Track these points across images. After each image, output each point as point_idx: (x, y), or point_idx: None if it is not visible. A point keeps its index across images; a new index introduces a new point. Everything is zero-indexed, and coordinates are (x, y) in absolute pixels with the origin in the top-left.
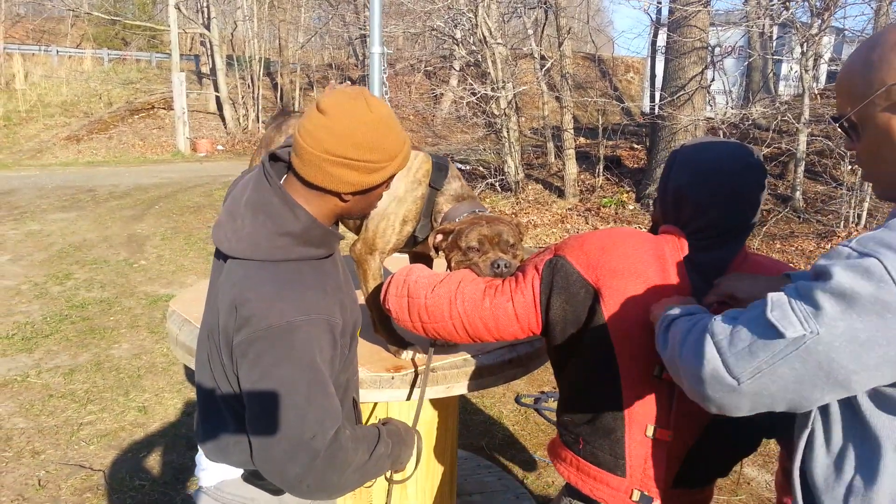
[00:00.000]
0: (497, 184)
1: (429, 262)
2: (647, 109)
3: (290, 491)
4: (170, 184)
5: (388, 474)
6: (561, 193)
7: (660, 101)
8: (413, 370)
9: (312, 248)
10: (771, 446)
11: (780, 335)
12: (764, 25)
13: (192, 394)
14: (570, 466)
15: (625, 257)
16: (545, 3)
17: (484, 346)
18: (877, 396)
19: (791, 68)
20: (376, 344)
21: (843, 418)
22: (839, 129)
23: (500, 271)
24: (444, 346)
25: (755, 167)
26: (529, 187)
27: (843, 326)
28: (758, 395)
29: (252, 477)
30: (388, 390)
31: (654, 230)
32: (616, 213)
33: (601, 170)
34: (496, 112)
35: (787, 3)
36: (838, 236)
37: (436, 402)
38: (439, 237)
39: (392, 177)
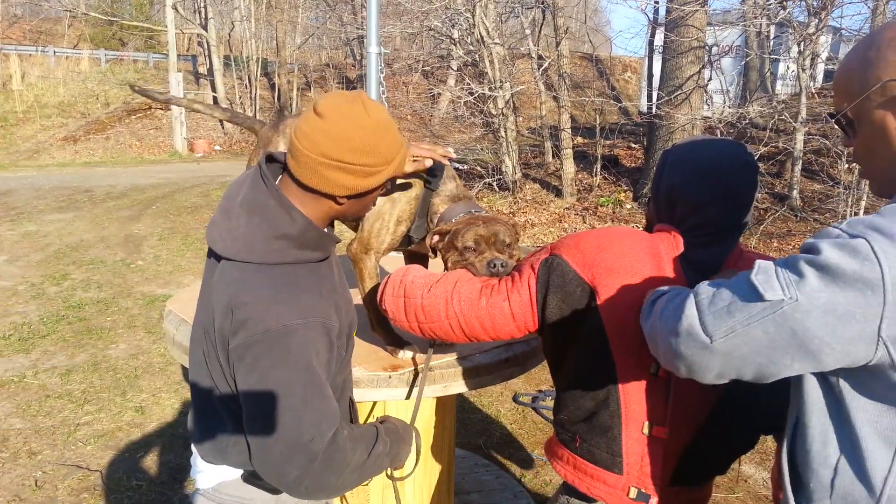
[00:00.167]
0: (495, 183)
1: (425, 261)
2: (644, 109)
3: (289, 492)
4: (167, 184)
5: (389, 472)
6: (558, 193)
7: (657, 100)
8: (411, 369)
9: (308, 252)
10: (768, 444)
11: (760, 298)
12: (761, 25)
13: (189, 394)
14: (566, 464)
15: (621, 256)
16: (542, 3)
17: (481, 345)
18: (855, 380)
19: (788, 67)
20: (373, 343)
21: (825, 403)
22: (836, 126)
23: (497, 271)
24: (442, 346)
25: (751, 166)
26: (527, 187)
27: (823, 298)
28: (728, 357)
29: (252, 477)
30: (386, 389)
31: (648, 229)
32: (613, 213)
33: (598, 169)
34: (494, 112)
35: (784, 3)
36: None
37: (433, 401)
38: (436, 238)
39: (388, 181)
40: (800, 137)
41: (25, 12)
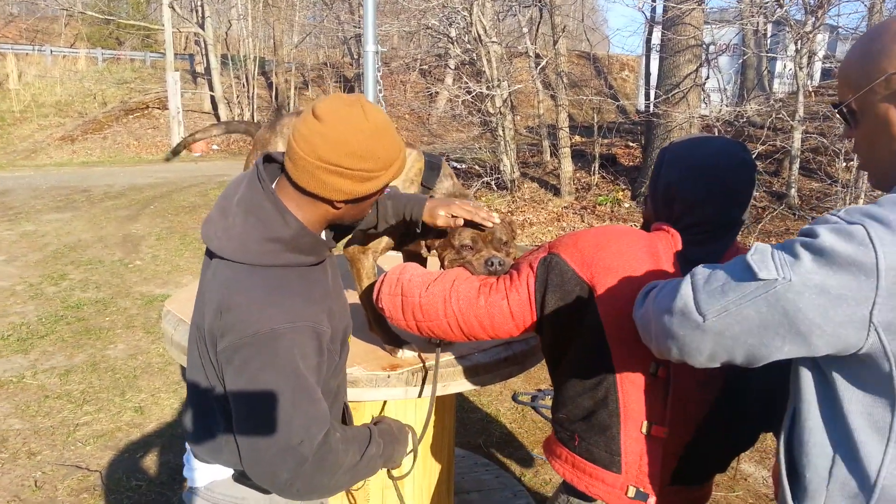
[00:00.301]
0: (493, 182)
1: (422, 260)
2: (642, 107)
3: (281, 494)
4: (165, 184)
5: (389, 471)
6: (557, 192)
7: (655, 99)
8: (410, 369)
9: (301, 256)
10: (768, 442)
11: (754, 276)
12: (758, 23)
13: None
14: (565, 463)
15: (619, 254)
16: (540, 2)
17: (480, 345)
18: (848, 371)
19: (785, 66)
20: (372, 343)
21: (820, 395)
22: (838, 116)
23: (494, 269)
24: (449, 345)
25: (749, 164)
26: (525, 186)
27: (817, 279)
28: (720, 337)
29: (242, 477)
30: (385, 389)
31: (645, 228)
32: (612, 211)
33: (597, 168)
34: (491, 110)
35: (781, 1)
36: None
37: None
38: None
39: (386, 185)
40: (797, 136)
41: (22, 11)
